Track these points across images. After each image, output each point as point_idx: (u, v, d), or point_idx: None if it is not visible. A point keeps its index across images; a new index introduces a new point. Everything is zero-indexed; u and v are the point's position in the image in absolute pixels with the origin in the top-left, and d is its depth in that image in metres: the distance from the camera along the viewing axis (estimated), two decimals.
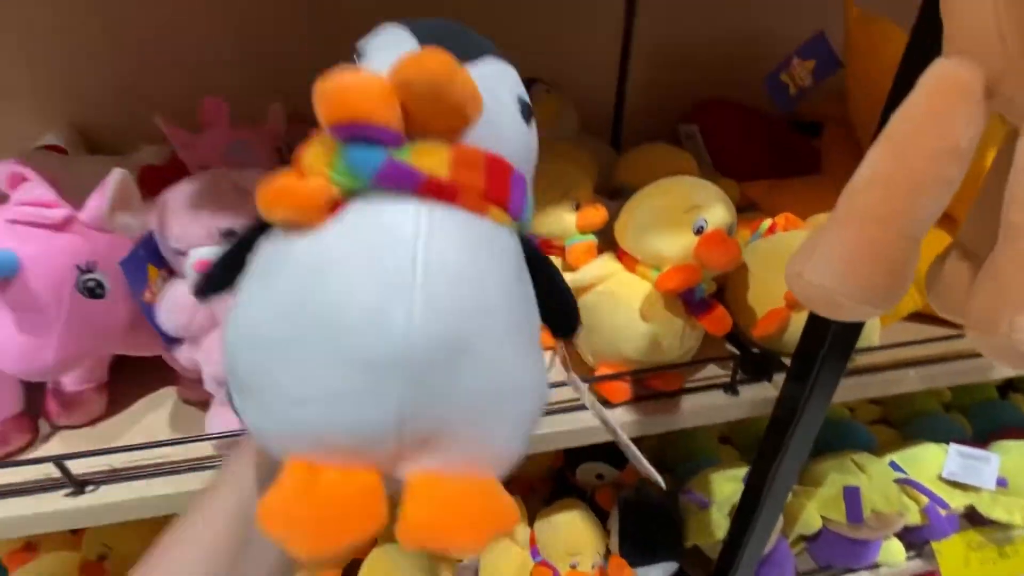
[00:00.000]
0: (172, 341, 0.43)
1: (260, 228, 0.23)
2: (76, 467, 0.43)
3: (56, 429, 0.49)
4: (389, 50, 0.22)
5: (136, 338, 0.44)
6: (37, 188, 0.36)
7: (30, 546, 0.78)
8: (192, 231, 0.40)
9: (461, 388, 0.20)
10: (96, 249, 0.38)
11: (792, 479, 0.57)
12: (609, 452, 0.78)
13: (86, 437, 0.49)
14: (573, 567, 0.68)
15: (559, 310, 0.26)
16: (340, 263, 0.19)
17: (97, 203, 0.38)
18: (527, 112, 0.24)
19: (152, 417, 0.51)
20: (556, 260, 0.55)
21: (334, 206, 0.20)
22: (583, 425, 0.50)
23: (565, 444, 0.51)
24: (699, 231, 0.45)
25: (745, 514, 0.61)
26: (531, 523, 0.74)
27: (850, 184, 0.35)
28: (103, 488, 0.44)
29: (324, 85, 0.19)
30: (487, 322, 0.20)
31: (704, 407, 0.52)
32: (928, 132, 0.31)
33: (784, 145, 0.81)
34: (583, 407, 0.50)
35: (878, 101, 0.40)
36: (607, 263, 0.50)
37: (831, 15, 0.68)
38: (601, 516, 0.74)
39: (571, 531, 0.70)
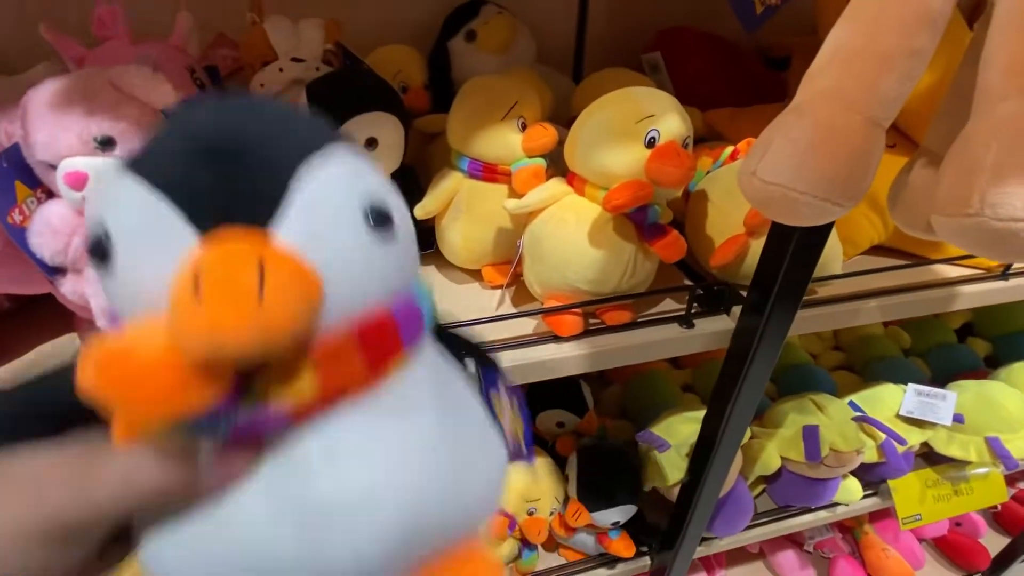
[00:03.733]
0: (53, 272, 0.37)
1: None
2: None
3: None
4: (152, 255, 0.15)
5: (11, 270, 0.38)
6: None
7: None
8: (61, 138, 0.34)
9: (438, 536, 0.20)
10: None
11: (749, 415, 0.56)
12: (569, 399, 0.76)
13: None
14: (530, 514, 0.67)
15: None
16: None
17: None
18: (382, 221, 0.17)
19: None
20: (502, 188, 0.50)
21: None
22: (535, 359, 0.46)
23: (519, 379, 0.48)
24: (651, 144, 0.41)
25: (702, 453, 0.60)
26: None
27: (809, 70, 0.31)
28: None
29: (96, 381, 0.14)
30: (432, 494, 0.19)
31: (658, 340, 0.49)
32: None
33: (752, 77, 0.77)
34: (536, 341, 0.47)
35: None
36: (554, 186, 0.46)
37: None
38: (561, 465, 0.73)
39: (525, 480, 0.68)
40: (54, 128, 0.34)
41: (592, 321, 0.50)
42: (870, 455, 0.72)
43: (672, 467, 0.65)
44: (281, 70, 0.53)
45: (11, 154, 0.35)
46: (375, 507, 0.17)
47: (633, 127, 0.41)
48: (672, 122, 0.41)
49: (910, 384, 0.75)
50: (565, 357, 0.47)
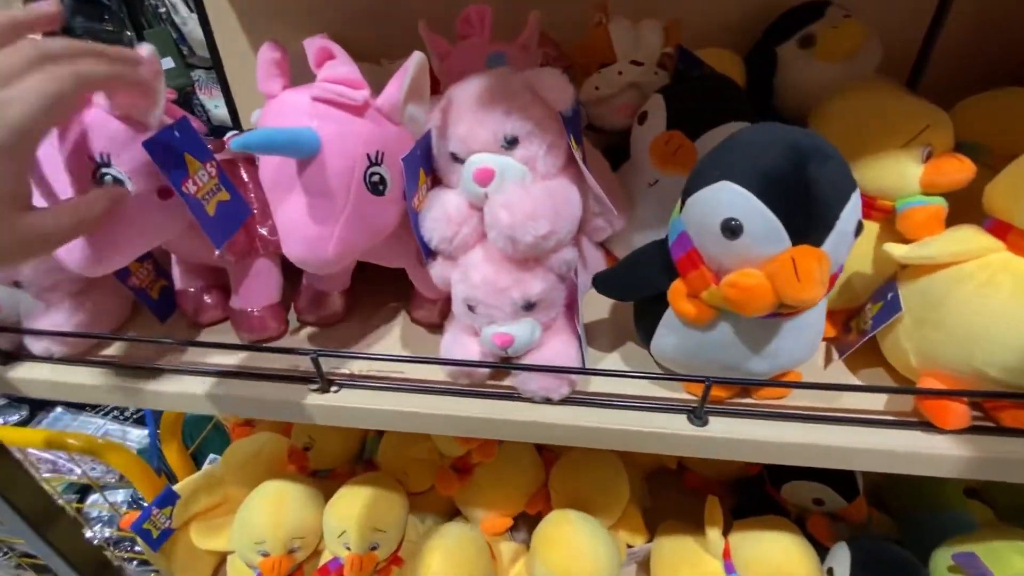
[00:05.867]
0: (429, 254, 0.40)
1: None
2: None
3: (300, 328, 0.51)
4: (768, 245, 0.30)
5: (392, 247, 0.42)
6: (342, 66, 0.33)
7: (249, 421, 0.89)
8: (478, 133, 0.35)
9: None
10: (386, 140, 0.35)
11: None
12: (835, 475, 0.64)
13: (326, 337, 0.50)
14: None
15: None
16: None
17: (395, 89, 0.35)
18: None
19: (385, 330, 0.50)
20: (874, 225, 0.42)
21: None
22: (890, 446, 0.38)
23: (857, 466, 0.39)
24: None
25: None
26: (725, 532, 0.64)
27: None
28: (344, 391, 0.43)
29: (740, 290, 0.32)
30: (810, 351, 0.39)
31: None
32: None
33: None
34: (894, 423, 0.39)
35: None
36: (976, 238, 0.36)
37: None
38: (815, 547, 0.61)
39: (783, 556, 0.58)
40: (473, 123, 0.35)
41: (974, 415, 0.39)
42: None
43: None
44: (620, 73, 0.51)
45: (423, 143, 0.38)
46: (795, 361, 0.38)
47: None
48: None
49: None
50: (935, 454, 0.37)
